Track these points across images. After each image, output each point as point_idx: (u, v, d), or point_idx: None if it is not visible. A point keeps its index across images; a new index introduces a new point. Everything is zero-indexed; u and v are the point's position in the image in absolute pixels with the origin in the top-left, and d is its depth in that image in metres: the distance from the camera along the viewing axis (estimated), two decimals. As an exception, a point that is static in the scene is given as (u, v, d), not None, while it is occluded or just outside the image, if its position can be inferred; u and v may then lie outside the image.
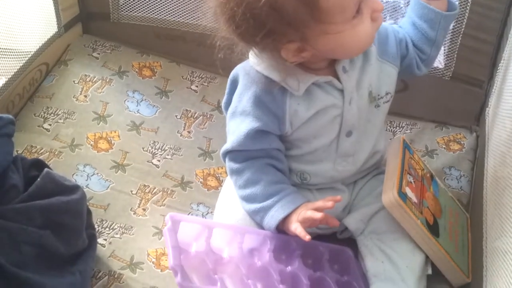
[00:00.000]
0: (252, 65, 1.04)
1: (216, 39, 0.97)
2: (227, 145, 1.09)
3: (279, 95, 1.03)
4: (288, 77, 1.01)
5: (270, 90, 1.03)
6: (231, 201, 1.13)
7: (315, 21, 0.90)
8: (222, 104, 1.13)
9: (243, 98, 1.05)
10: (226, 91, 1.11)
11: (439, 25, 1.09)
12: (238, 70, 1.07)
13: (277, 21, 0.89)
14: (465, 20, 1.32)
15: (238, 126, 1.06)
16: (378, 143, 1.14)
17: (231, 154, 1.09)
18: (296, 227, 1.00)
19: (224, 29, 0.95)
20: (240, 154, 1.08)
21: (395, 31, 1.11)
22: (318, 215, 0.99)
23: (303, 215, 1.01)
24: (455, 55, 1.38)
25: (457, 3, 1.24)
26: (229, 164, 1.10)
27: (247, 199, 1.09)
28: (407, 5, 1.59)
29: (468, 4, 1.31)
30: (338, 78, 1.04)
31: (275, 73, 1.01)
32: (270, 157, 1.08)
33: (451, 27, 1.28)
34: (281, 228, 1.06)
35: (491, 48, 1.34)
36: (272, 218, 1.05)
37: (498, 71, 1.29)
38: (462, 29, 1.34)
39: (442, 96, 1.44)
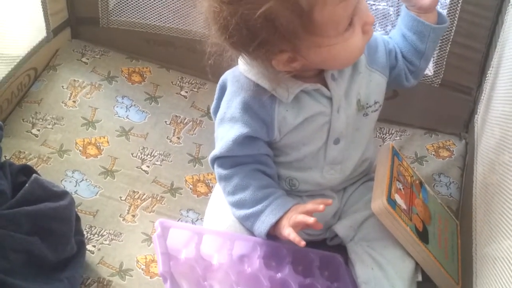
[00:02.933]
0: (241, 71, 1.04)
1: (206, 45, 0.97)
2: (216, 151, 1.09)
3: (268, 102, 1.03)
4: (277, 84, 1.01)
5: (259, 97, 1.03)
6: (221, 208, 1.13)
7: (308, 34, 0.90)
8: (211, 109, 1.13)
9: (232, 104, 1.05)
10: (215, 96, 1.11)
11: (428, 38, 1.10)
12: (227, 76, 1.07)
13: (270, 32, 0.89)
14: (454, 27, 1.33)
15: (226, 132, 1.06)
16: (367, 151, 1.14)
17: (220, 160, 1.09)
18: (289, 233, 1.00)
19: (216, 37, 0.95)
20: (229, 160, 1.08)
21: (385, 42, 1.11)
22: (311, 220, 0.99)
23: (295, 220, 1.01)
24: (444, 63, 1.39)
25: (446, 14, 1.25)
26: (218, 170, 1.10)
27: (237, 205, 1.08)
28: (397, 13, 1.61)
29: (457, 11, 1.31)
30: (326, 86, 1.04)
31: (265, 81, 1.01)
32: (259, 162, 1.08)
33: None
34: (272, 233, 1.06)
35: (480, 55, 1.35)
36: (263, 223, 1.05)
37: (486, 78, 1.30)
38: (451, 37, 1.35)
39: (432, 103, 1.44)
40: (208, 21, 0.94)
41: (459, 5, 1.31)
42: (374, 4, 1.69)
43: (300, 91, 1.03)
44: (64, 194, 1.10)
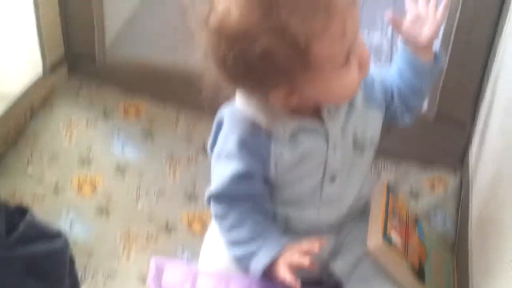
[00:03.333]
0: (238, 107, 1.04)
1: (203, 80, 0.97)
2: (211, 188, 1.08)
3: (264, 138, 1.03)
4: (274, 121, 1.01)
5: (255, 133, 1.03)
6: (217, 246, 1.12)
7: (305, 69, 0.91)
8: (208, 145, 1.12)
9: (228, 141, 1.05)
10: (212, 132, 1.10)
11: (425, 75, 1.10)
12: (224, 112, 1.07)
13: (267, 67, 0.89)
14: (447, 62, 1.33)
15: (223, 168, 1.06)
16: (363, 188, 1.14)
17: (216, 197, 1.09)
18: (284, 275, 0.99)
19: (213, 71, 0.95)
20: (225, 198, 1.08)
21: (381, 79, 1.11)
22: (307, 261, 0.98)
23: (291, 260, 1.00)
24: (438, 97, 1.40)
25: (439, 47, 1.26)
26: (213, 208, 1.09)
27: (232, 243, 1.08)
28: (390, 46, 1.62)
29: (450, 45, 1.32)
30: (323, 123, 1.04)
31: (262, 117, 1.01)
32: (255, 200, 1.08)
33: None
34: (268, 272, 1.05)
35: (473, 89, 1.36)
36: (258, 262, 1.04)
37: (480, 112, 1.31)
38: (444, 71, 1.35)
39: (426, 137, 1.45)
40: (206, 55, 0.95)
41: (451, 38, 1.32)
42: (368, 33, 1.71)
43: (297, 128, 1.03)
44: (58, 234, 1.09)
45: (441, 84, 1.37)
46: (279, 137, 1.03)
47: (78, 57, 1.63)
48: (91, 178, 1.38)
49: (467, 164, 1.36)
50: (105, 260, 1.23)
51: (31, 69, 1.52)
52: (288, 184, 1.08)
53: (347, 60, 0.93)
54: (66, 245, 1.09)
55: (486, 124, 1.24)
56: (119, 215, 1.32)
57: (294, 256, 1.00)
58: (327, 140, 1.04)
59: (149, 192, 1.37)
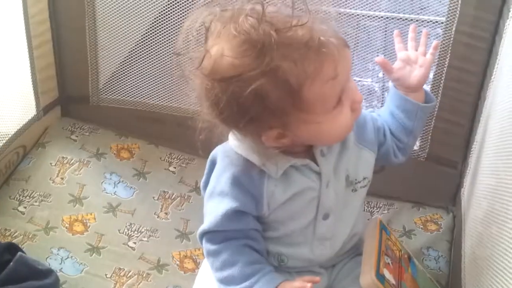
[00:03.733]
0: (231, 147, 1.05)
1: (197, 121, 0.98)
2: (204, 226, 1.08)
3: (257, 177, 1.03)
4: (267, 160, 1.01)
5: (248, 171, 1.03)
6: (209, 284, 1.11)
7: (297, 110, 0.92)
8: (201, 184, 1.12)
9: (221, 179, 1.05)
10: (205, 171, 1.11)
11: (416, 116, 1.12)
12: (217, 151, 1.08)
13: (260, 109, 0.90)
14: (437, 103, 1.35)
15: (215, 206, 1.06)
16: (356, 226, 1.13)
17: (208, 235, 1.08)
18: None
19: (207, 113, 0.96)
20: (218, 235, 1.07)
21: (373, 119, 1.13)
22: None
23: None
24: (429, 137, 1.41)
25: (429, 89, 1.28)
26: (206, 246, 1.09)
27: (225, 281, 1.07)
28: (382, 88, 1.64)
29: (440, 87, 1.34)
30: (315, 161, 1.05)
31: (255, 156, 1.01)
32: (248, 238, 1.07)
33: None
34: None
35: (464, 130, 1.37)
36: (253, 299, 1.03)
37: (471, 152, 1.32)
38: (435, 112, 1.37)
39: (418, 177, 1.45)
40: (200, 97, 0.96)
41: (442, 81, 1.34)
42: (360, 81, 1.73)
43: (289, 166, 1.03)
44: (49, 272, 1.09)
45: (432, 124, 1.39)
46: (271, 175, 1.03)
47: (71, 100, 1.64)
48: (83, 217, 1.37)
49: (459, 203, 1.36)
50: (95, 298, 1.21)
51: (25, 111, 1.53)
52: (281, 222, 1.08)
53: (339, 101, 0.94)
54: (56, 282, 1.09)
55: (477, 164, 1.25)
56: (110, 254, 1.31)
57: None
58: (320, 179, 1.05)
59: (141, 230, 1.36)
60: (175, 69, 0.98)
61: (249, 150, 1.02)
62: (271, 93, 0.89)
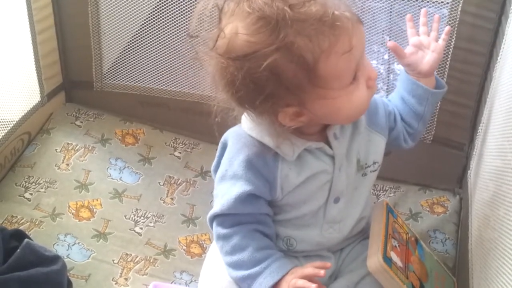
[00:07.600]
0: (245, 130, 1.04)
1: (212, 104, 0.98)
2: (216, 209, 1.07)
3: (271, 160, 1.03)
4: (281, 142, 1.01)
5: (262, 154, 1.03)
6: (216, 269, 1.11)
7: (313, 86, 0.91)
8: (212, 167, 1.11)
9: (234, 162, 1.05)
10: (217, 154, 1.10)
11: (427, 101, 1.12)
12: (229, 134, 1.07)
13: (276, 85, 0.90)
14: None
15: (228, 189, 1.05)
16: (364, 210, 1.13)
17: (219, 218, 1.08)
18: None
19: (223, 93, 0.95)
20: (229, 218, 1.07)
21: (384, 104, 1.12)
22: (312, 286, 0.97)
23: (294, 284, 0.99)
24: (435, 119, 1.40)
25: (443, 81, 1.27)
26: (217, 229, 1.08)
27: (234, 265, 1.07)
28: (387, 71, 1.63)
29: (446, 69, 1.34)
30: (329, 145, 1.04)
31: (269, 139, 1.01)
32: (259, 222, 1.07)
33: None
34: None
35: (470, 111, 1.36)
36: (261, 285, 1.03)
37: (478, 134, 1.31)
38: (441, 94, 1.36)
39: (425, 159, 1.45)
40: (215, 78, 0.95)
41: (448, 62, 1.33)
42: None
43: (303, 149, 1.03)
44: (56, 258, 1.09)
45: (438, 106, 1.38)
46: (286, 158, 1.03)
47: (75, 85, 1.64)
48: (89, 203, 1.37)
49: (466, 185, 1.36)
50: (102, 284, 1.22)
51: (29, 97, 1.52)
52: (293, 205, 1.08)
53: (354, 77, 0.94)
54: (63, 268, 1.09)
55: (483, 145, 1.25)
56: (117, 239, 1.31)
57: (299, 281, 0.99)
58: (333, 162, 1.04)
59: (147, 216, 1.36)
60: (189, 52, 0.97)
61: (263, 132, 1.01)
62: (286, 69, 0.89)
